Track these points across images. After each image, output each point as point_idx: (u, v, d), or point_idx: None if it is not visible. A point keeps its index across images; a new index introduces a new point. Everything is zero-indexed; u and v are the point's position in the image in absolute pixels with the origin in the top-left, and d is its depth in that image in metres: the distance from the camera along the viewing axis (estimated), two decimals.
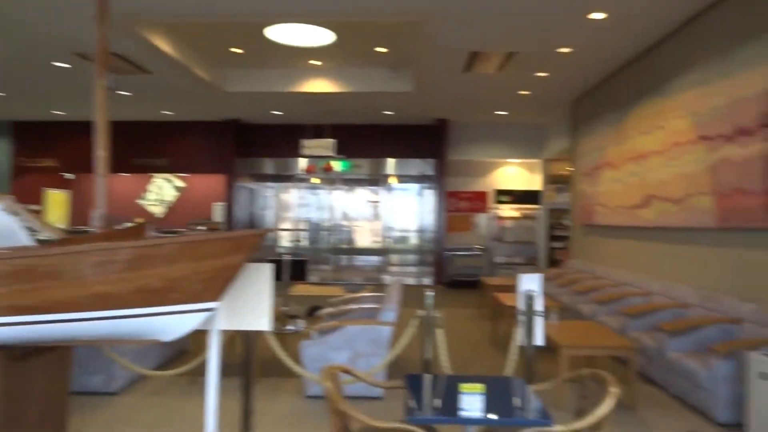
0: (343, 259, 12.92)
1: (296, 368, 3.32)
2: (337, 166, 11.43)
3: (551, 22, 5.63)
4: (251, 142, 12.00)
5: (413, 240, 12.81)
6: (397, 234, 12.81)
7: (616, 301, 5.90)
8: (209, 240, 2.41)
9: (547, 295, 7.73)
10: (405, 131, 11.88)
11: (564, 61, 7.00)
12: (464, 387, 2.42)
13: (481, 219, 12.09)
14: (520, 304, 3.29)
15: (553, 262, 11.29)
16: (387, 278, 12.21)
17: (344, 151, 11.20)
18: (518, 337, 3.32)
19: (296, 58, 8.16)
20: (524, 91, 8.65)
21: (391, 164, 12.23)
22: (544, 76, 7.75)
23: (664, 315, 4.97)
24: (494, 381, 2.90)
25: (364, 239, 12.91)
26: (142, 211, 12.70)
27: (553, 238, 11.72)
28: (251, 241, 2.47)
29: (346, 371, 2.84)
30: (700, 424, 3.81)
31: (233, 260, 2.46)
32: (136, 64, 7.50)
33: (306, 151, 9.81)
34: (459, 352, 5.83)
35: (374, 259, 12.74)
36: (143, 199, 12.91)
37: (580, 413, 2.68)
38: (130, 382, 4.52)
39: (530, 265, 11.63)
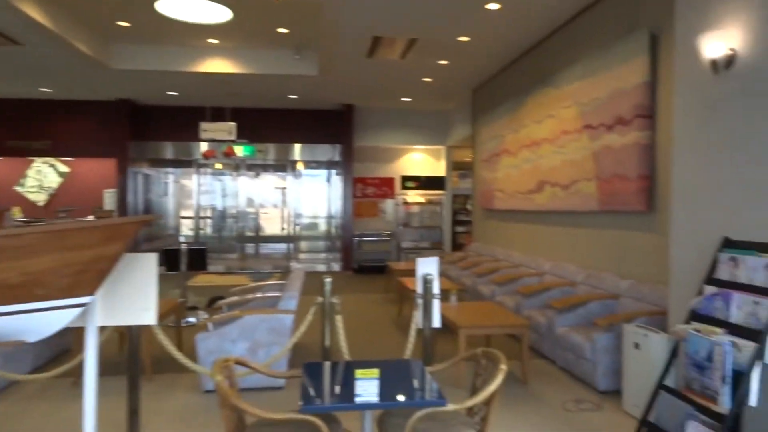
0: (251, 247, 12.55)
1: (187, 362, 3.14)
2: (239, 151, 11.00)
3: (450, 10, 5.72)
4: (147, 125, 11.24)
5: (322, 226, 12.70)
6: (306, 220, 12.63)
7: (513, 281, 6.20)
8: (78, 229, 2.17)
9: (450, 278, 8.01)
10: (311, 116, 11.69)
11: (464, 50, 7.18)
12: (359, 373, 2.41)
13: (388, 205, 12.22)
14: (418, 288, 3.34)
15: (458, 246, 11.70)
16: (296, 266, 12.03)
17: (247, 135, 10.81)
18: (417, 319, 3.36)
19: (192, 35, 7.70)
20: (427, 78, 8.79)
21: (297, 149, 12.02)
22: (445, 64, 7.91)
23: (555, 293, 5.30)
24: (392, 364, 2.92)
25: (271, 226, 12.60)
26: (21, 199, 11.51)
27: (458, 222, 12.13)
28: (128, 230, 2.27)
29: (241, 363, 2.73)
30: (583, 393, 4.10)
31: (108, 250, 2.25)
32: (3, 34, 6.70)
33: (205, 135, 9.32)
34: (364, 337, 5.87)
35: (283, 247, 12.49)
36: (21, 185, 11.69)
37: (474, 391, 2.78)
38: (1, 388, 4.08)
39: (436, 249, 11.96)
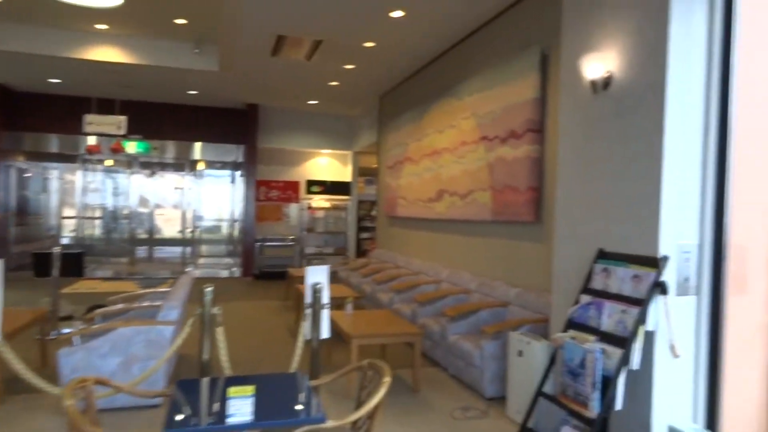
0: (143, 251, 11.73)
1: (38, 382, 2.78)
2: (132, 147, 10.25)
3: (355, 14, 5.68)
4: (24, 114, 10.16)
5: (224, 230, 12.16)
6: (207, 223, 12.03)
7: (411, 289, 6.24)
8: None
9: (351, 285, 7.94)
10: (213, 114, 11.18)
11: (370, 56, 7.17)
12: (233, 391, 2.24)
13: (293, 209, 11.96)
14: (307, 297, 3.22)
15: (362, 252, 11.69)
16: (193, 271, 11.42)
17: (142, 131, 10.12)
18: (305, 330, 3.24)
19: (78, 18, 7.05)
20: (334, 82, 8.70)
21: (198, 148, 11.44)
22: (352, 69, 7.87)
23: (449, 301, 5.39)
24: (274, 379, 2.77)
25: (169, 229, 11.86)
26: None
27: (363, 228, 12.13)
28: None
29: (101, 382, 2.45)
30: (471, 400, 4.17)
31: None
32: None
33: (90, 128, 8.57)
34: (257, 348, 5.62)
35: (181, 251, 11.80)
36: None
37: (359, 404, 2.69)
38: None
39: (340, 255, 11.87)
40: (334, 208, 12.09)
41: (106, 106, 9.56)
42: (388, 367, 2.52)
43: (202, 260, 12.05)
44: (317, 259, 11.69)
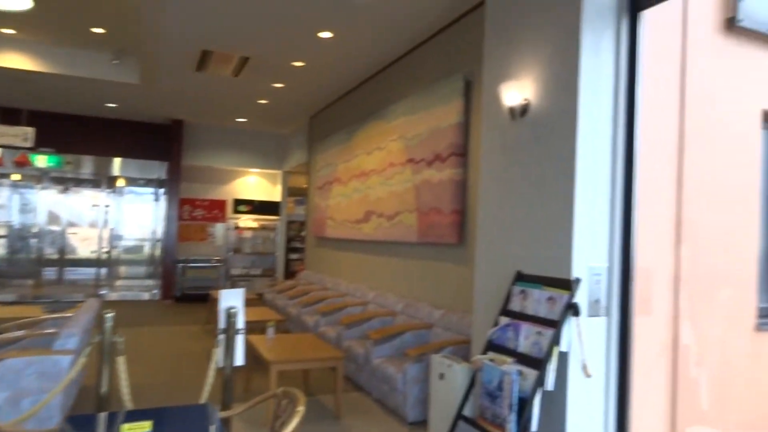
0: (54, 272, 10.87)
1: None
2: (42, 161, 9.55)
3: (282, 32, 5.61)
4: None
5: (146, 250, 11.51)
6: (127, 243, 11.34)
7: (337, 311, 6.13)
8: None
9: (276, 308, 7.71)
10: (135, 129, 10.66)
11: (299, 75, 7.10)
12: (126, 428, 2.05)
13: (219, 229, 11.55)
14: (221, 323, 3.04)
15: (291, 274, 11.43)
16: (110, 294, 10.72)
17: (53, 143, 9.47)
18: (217, 357, 3.05)
19: None
20: (263, 100, 8.55)
21: (118, 164, 10.84)
22: (281, 87, 7.76)
23: (375, 323, 5.32)
24: (179, 412, 2.57)
25: (84, 248, 11.08)
26: None
27: (292, 249, 11.89)
28: None
29: None
30: (394, 425, 4.10)
31: None
32: None
33: None
34: (168, 378, 5.30)
35: (95, 272, 11.03)
36: None
37: None
38: None
39: (268, 276, 11.55)
40: (263, 228, 11.79)
41: (11, 116, 8.86)
42: (302, 395, 2.41)
43: (120, 282, 11.33)
44: (244, 280, 11.31)
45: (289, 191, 11.84)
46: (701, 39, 3.52)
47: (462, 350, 4.03)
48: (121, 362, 2.80)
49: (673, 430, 3.19)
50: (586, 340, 2.84)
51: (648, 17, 3.04)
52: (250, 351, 4.44)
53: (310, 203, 9.49)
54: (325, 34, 5.57)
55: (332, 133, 8.33)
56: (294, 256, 11.80)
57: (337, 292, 7.25)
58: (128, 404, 2.88)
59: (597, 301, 2.91)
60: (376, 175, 6.53)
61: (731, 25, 3.56)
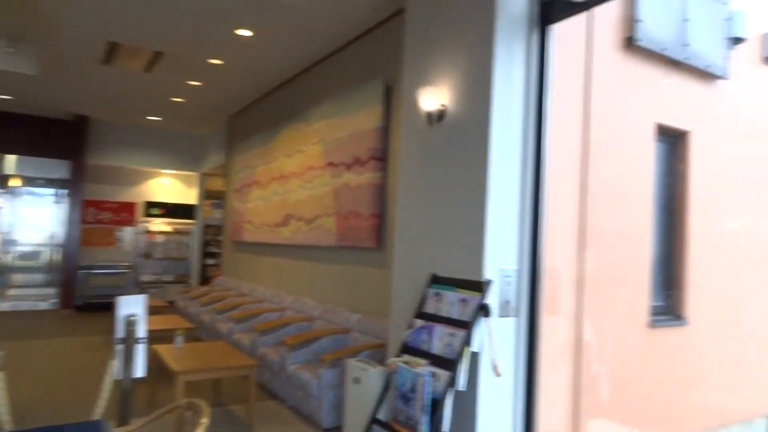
0: None
1: None
2: None
3: (198, 27, 5.38)
4: None
5: (43, 256, 10.58)
6: (23, 248, 10.36)
7: (253, 317, 5.93)
8: None
9: (188, 315, 7.35)
10: (33, 124, 9.80)
11: (217, 73, 6.85)
12: None
13: (127, 233, 10.87)
14: (118, 332, 2.83)
15: (206, 280, 10.97)
16: (0, 304, 9.75)
17: None
18: (114, 369, 2.83)
19: None
20: (177, 98, 8.16)
21: (12, 162, 9.92)
22: (197, 86, 7.45)
23: (291, 329, 5.20)
24: (68, 431, 2.35)
25: None
26: None
27: (208, 254, 11.42)
28: None
29: None
30: None
31: None
32: None
33: None
34: (61, 393, 4.88)
35: None
36: None
37: None
38: None
39: (181, 282, 11.01)
40: (177, 232, 11.24)
41: None
42: (207, 406, 2.28)
43: (13, 291, 10.33)
44: (154, 287, 10.71)
45: (206, 194, 11.38)
46: (604, 56, 3.76)
47: (379, 354, 4.01)
48: (0, 378, 2.53)
49: (576, 423, 3.35)
50: (496, 340, 2.91)
51: (557, 31, 3.19)
52: (156, 361, 4.18)
53: (228, 206, 9.17)
54: (244, 32, 5.40)
55: (252, 135, 8.11)
56: (210, 261, 11.34)
57: (254, 298, 7.03)
58: (8, 425, 2.60)
59: (507, 302, 2.99)
60: (296, 178, 6.42)
61: (630, 44, 3.82)
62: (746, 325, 4.56)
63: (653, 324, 3.89)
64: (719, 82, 4.35)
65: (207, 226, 11.45)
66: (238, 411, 4.41)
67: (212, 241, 11.51)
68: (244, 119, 8.66)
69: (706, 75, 4.25)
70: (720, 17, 4.25)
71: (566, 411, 3.29)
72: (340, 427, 3.91)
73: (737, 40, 4.35)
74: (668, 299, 4.18)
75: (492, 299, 2.92)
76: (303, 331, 5.11)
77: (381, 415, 3.10)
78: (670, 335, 4.01)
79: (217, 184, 11.15)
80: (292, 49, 5.85)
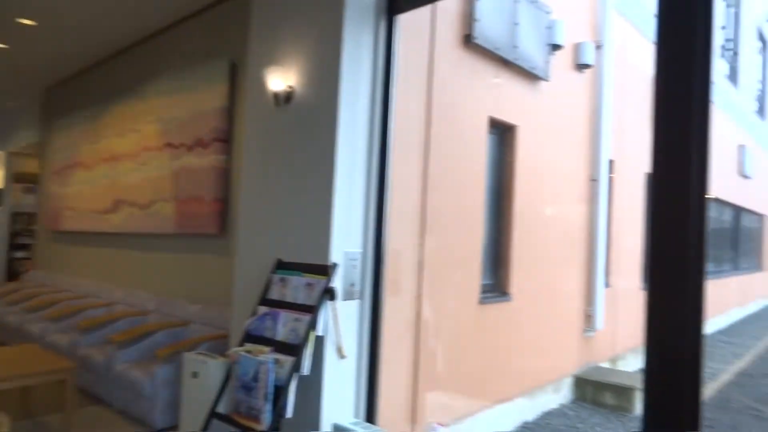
0: None
1: None
2: None
3: None
4: None
5: None
6: None
7: (73, 315, 5.27)
8: None
9: None
10: None
11: (29, 36, 5.91)
12: None
13: None
14: None
15: (15, 275, 9.49)
16: None
17: None
18: None
19: None
20: None
21: None
22: (4, 49, 6.37)
23: (120, 325, 4.71)
24: None
25: None
26: None
27: (17, 246, 9.89)
28: None
29: None
30: None
31: None
32: None
33: None
34: None
35: None
36: None
37: None
38: None
39: None
40: None
41: None
42: (6, 419, 1.94)
43: None
44: None
45: (16, 177, 9.83)
46: (446, 50, 3.97)
47: (220, 345, 3.81)
48: None
49: (415, 397, 3.51)
50: (341, 322, 2.92)
51: (404, 23, 3.28)
52: None
53: (43, 191, 8.02)
54: None
55: (75, 110, 7.16)
56: (20, 254, 9.83)
57: (75, 293, 6.24)
58: None
59: (352, 285, 3.02)
60: (129, 160, 5.81)
61: (468, 41, 4.09)
62: (556, 299, 5.21)
63: (483, 301, 4.24)
64: (542, 83, 4.86)
65: (17, 214, 9.92)
66: (52, 421, 3.87)
67: (23, 231, 9.99)
68: (66, 92, 7.62)
69: (531, 75, 4.72)
70: (543, 24, 4.75)
71: (406, 386, 3.44)
72: (177, 426, 3.63)
73: (556, 47, 4.91)
74: (495, 278, 4.59)
75: (337, 282, 2.92)
76: (135, 326, 4.65)
77: (221, 408, 2.94)
78: (496, 310, 4.41)
79: (30, 166, 9.68)
80: (124, 14, 5.26)
